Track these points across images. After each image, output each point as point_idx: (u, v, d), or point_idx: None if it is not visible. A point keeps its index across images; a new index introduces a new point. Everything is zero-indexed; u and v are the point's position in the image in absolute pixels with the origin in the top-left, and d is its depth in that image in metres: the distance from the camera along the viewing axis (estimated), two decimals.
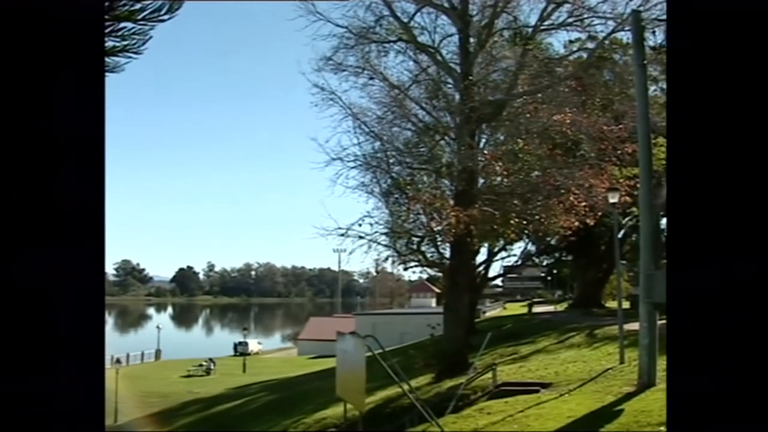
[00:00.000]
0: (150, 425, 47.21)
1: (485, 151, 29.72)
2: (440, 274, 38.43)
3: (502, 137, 32.27)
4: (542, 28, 30.39)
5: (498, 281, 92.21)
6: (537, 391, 20.46)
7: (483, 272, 50.17)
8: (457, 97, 30.46)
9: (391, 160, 31.93)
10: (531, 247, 57.27)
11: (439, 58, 30.80)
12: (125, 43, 3.23)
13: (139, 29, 3.21)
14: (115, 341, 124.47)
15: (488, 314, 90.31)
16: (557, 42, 35.11)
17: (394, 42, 30.98)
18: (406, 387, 20.25)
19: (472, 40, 30.13)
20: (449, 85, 31.69)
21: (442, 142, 32.24)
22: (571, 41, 34.89)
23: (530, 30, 30.49)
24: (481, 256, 45.38)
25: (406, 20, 30.35)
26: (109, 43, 3.23)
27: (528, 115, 28.75)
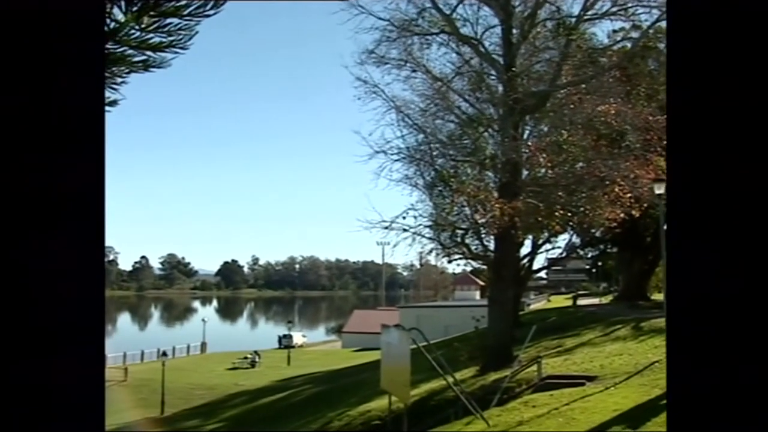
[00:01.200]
0: (197, 417, 47.68)
1: (529, 143, 29.51)
2: (484, 267, 38.27)
3: (546, 128, 32.08)
4: (586, 17, 30.09)
5: (542, 273, 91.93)
6: (582, 384, 20.30)
7: (527, 264, 49.92)
8: (501, 88, 30.32)
9: (434, 153, 31.89)
10: (576, 239, 56.93)
11: (481, 49, 30.64)
12: (171, 39, 3.22)
13: (185, 25, 3.20)
14: (161, 334, 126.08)
15: (532, 307, 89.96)
16: (601, 32, 34.77)
17: (437, 34, 30.88)
18: (450, 380, 20.23)
19: (515, 31, 29.94)
20: (492, 77, 31.54)
21: (486, 134, 32.14)
22: (615, 31, 34.49)
23: (573, 20, 30.19)
24: (526, 249, 45.16)
25: (448, 12, 30.21)
26: (155, 39, 3.23)
27: (572, 106, 28.51)
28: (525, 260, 47.68)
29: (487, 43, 30.92)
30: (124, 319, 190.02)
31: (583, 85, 28.91)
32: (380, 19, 30.20)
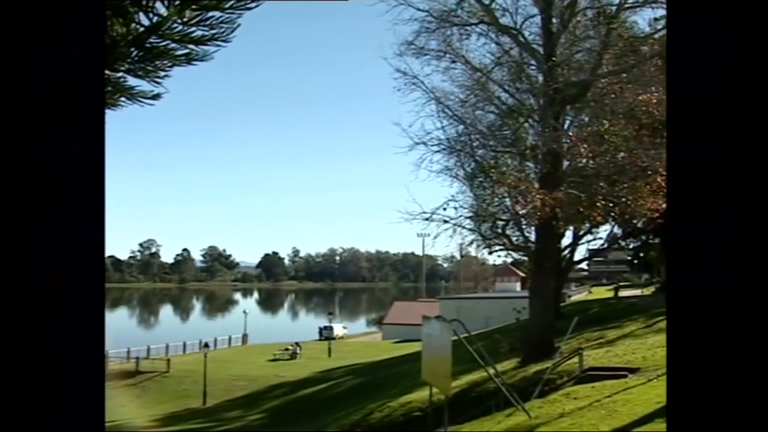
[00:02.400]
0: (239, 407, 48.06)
1: (570, 133, 29.30)
2: (525, 258, 38.15)
3: (587, 118, 31.83)
4: (626, 6, 29.78)
5: (583, 265, 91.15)
6: (624, 377, 20.17)
7: (568, 256, 49.61)
8: (541, 78, 30.14)
9: (475, 144, 31.80)
10: (617, 230, 56.29)
11: (521, 39, 30.46)
12: (213, 32, 3.24)
13: (227, 18, 3.22)
14: (203, 326, 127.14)
15: (574, 298, 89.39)
16: (642, 20, 34.31)
17: (476, 24, 30.75)
18: (491, 371, 20.19)
19: (554, 20, 29.74)
20: (532, 67, 31.37)
21: (526, 124, 31.98)
22: (656, 19, 34.03)
23: (614, 8, 29.90)
24: (567, 240, 44.81)
25: (487, 2, 30.07)
26: (197, 33, 3.25)
27: (613, 96, 28.23)
28: (566, 251, 47.35)
29: (526, 33, 30.78)
30: (167, 311, 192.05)
31: (624, 74, 28.59)
32: (419, 10, 30.18)
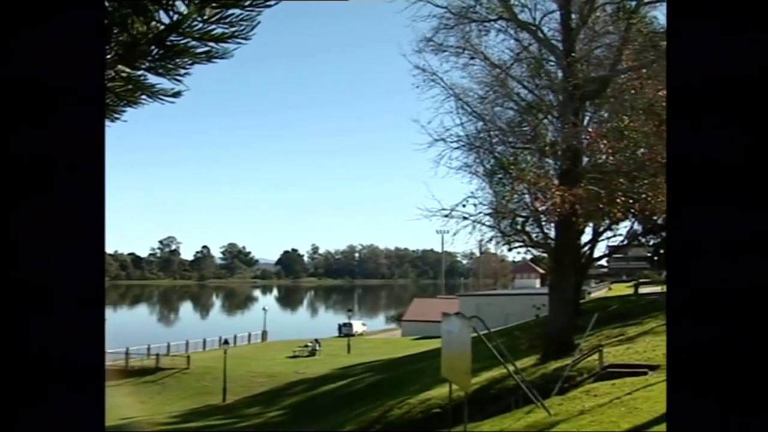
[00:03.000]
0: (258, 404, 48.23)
1: (590, 129, 29.18)
2: (545, 255, 38.02)
3: (606, 114, 31.69)
4: (646, 1, 29.62)
5: (603, 261, 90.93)
6: (645, 374, 20.09)
7: (588, 252, 49.44)
8: (560, 74, 30.05)
9: (494, 140, 31.76)
10: (637, 227, 56.00)
11: (540, 35, 30.37)
12: (233, 29, 3.24)
13: (247, 15, 3.22)
14: (223, 323, 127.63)
15: (593, 295, 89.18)
16: (661, 15, 34.07)
17: (495, 20, 30.67)
18: (511, 368, 20.16)
19: (573, 16, 29.63)
20: (551, 63, 31.26)
21: (546, 120, 31.87)
22: None
23: (633, 4, 29.74)
24: (587, 236, 44.65)
25: None
26: (217, 30, 3.25)
27: (633, 91, 28.08)
28: (586, 248, 47.21)
29: (545, 29, 30.67)
30: (186, 308, 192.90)
31: (644, 70, 28.42)
32: (438, 6, 30.13)
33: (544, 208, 27.73)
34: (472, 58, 31.21)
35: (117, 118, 3.78)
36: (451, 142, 31.27)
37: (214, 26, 3.24)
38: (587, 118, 31.53)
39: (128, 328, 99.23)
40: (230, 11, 3.22)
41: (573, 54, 28.57)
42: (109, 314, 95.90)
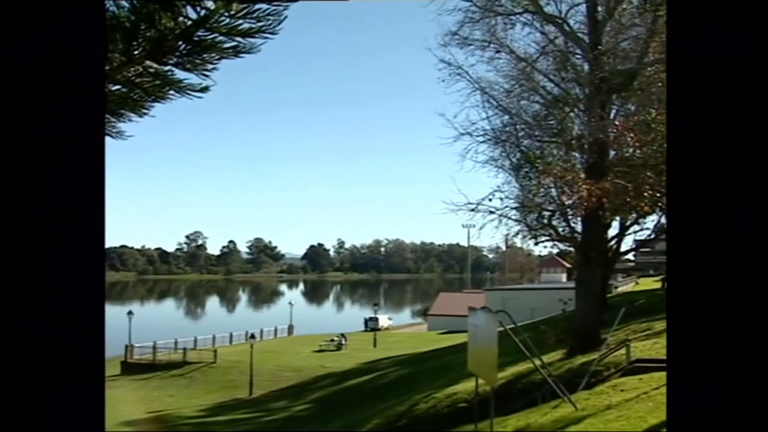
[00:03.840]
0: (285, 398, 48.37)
1: (616, 122, 28.95)
2: (571, 249, 37.86)
3: (633, 107, 31.44)
4: None
5: (630, 255, 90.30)
6: None
7: (615, 246, 49.08)
8: (586, 67, 29.86)
9: (520, 134, 31.65)
10: (664, 220, 55.71)
11: (566, 28, 30.18)
12: (260, 24, 3.26)
13: (273, 10, 3.23)
14: (249, 317, 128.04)
15: (620, 289, 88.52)
16: None
17: (520, 14, 30.53)
18: (537, 362, 20.10)
19: (600, 8, 29.41)
20: (578, 56, 31.08)
21: (572, 114, 31.68)
22: None
23: None
24: (613, 230, 44.40)
25: None
26: (244, 25, 3.27)
27: (660, 84, 27.79)
28: (613, 242, 46.90)
29: (571, 22, 30.47)
30: (213, 303, 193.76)
31: None
32: (463, 0, 30.05)
33: (570, 202, 27.58)
34: (498, 51, 31.13)
35: (145, 113, 3.81)
36: (477, 136, 31.24)
37: (240, 21, 3.26)
38: (614, 111, 31.31)
39: (156, 322, 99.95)
40: (257, 6, 3.23)
41: (599, 47, 28.38)
42: (137, 308, 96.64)
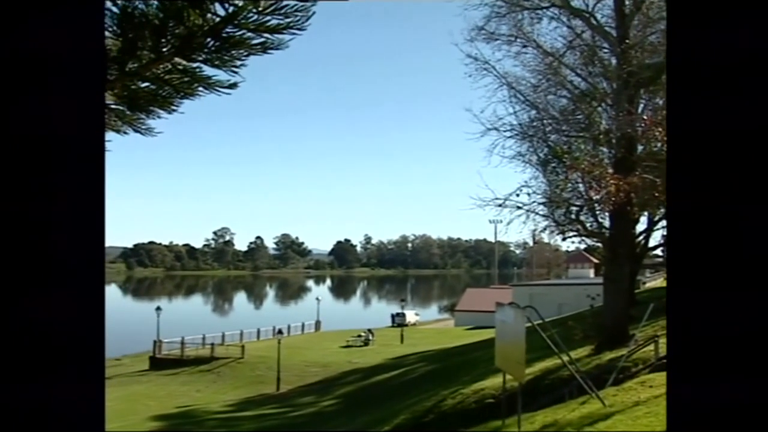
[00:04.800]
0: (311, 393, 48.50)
1: (644, 117, 28.72)
2: (599, 244, 37.63)
3: (661, 101, 31.19)
4: None
5: (659, 251, 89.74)
6: None
7: (643, 242, 48.78)
8: (614, 61, 29.69)
9: (547, 129, 31.49)
10: None
11: (593, 22, 30.00)
12: (288, 20, 3.26)
13: (302, 6, 3.23)
14: (276, 313, 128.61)
15: (649, 285, 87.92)
16: None
17: (547, 8, 30.40)
18: (565, 358, 20.02)
19: (627, 1, 29.22)
20: (605, 50, 30.89)
21: (600, 108, 31.49)
22: None
23: None
24: (642, 225, 44.08)
25: None
26: (272, 21, 3.27)
27: None
28: (641, 237, 46.62)
29: (599, 16, 30.28)
30: (240, 298, 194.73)
31: None
32: None
33: (598, 197, 27.41)
34: (525, 46, 31.03)
35: (174, 110, 3.83)
36: (504, 131, 31.16)
37: (269, 17, 3.26)
38: (642, 105, 31.10)
39: (184, 318, 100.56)
40: (285, 2, 3.24)
41: (627, 40, 28.19)
42: (165, 304, 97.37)
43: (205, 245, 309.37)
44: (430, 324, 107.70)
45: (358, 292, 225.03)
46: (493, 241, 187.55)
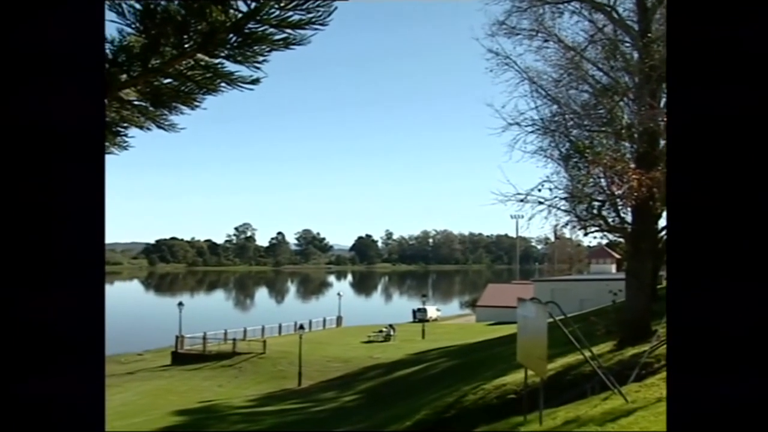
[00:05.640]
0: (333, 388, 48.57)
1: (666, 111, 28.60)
2: (621, 240, 37.49)
3: None
4: None
5: None
6: None
7: (666, 237, 48.62)
8: (636, 55, 29.51)
9: (569, 124, 31.36)
10: None
11: (615, 16, 29.84)
12: (310, 16, 3.26)
13: (324, 2, 3.23)
14: (298, 308, 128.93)
15: None
16: None
17: (568, 2, 30.27)
18: (587, 354, 19.95)
19: None
20: (627, 44, 30.71)
21: (622, 103, 31.30)
22: None
23: None
24: (664, 221, 43.86)
25: None
26: (294, 17, 3.27)
27: None
28: (663, 232, 46.42)
29: (620, 9, 30.09)
30: (262, 294, 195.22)
31: None
32: None
33: (620, 192, 27.29)
34: (546, 40, 30.90)
35: (197, 106, 3.84)
36: (526, 126, 31.04)
37: (291, 13, 3.27)
38: (664, 99, 30.88)
39: (205, 313, 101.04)
40: None
41: (649, 34, 28.01)
42: (187, 300, 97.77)
43: (226, 241, 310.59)
44: (451, 319, 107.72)
45: (380, 288, 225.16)
46: (514, 236, 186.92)
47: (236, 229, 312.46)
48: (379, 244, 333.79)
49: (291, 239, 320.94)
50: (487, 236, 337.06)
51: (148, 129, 4.04)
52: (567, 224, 31.38)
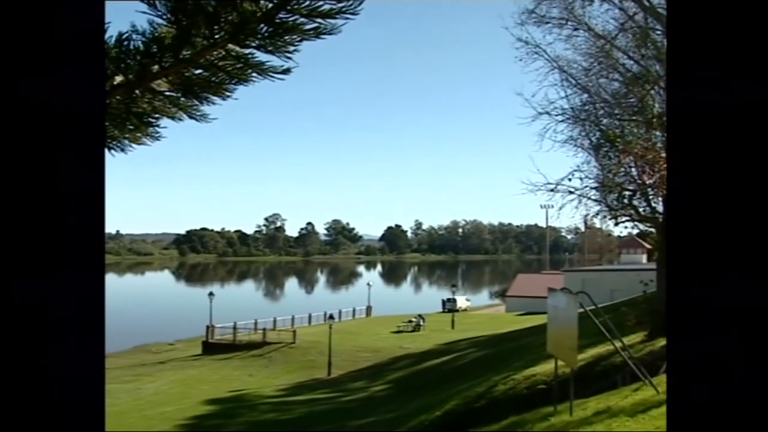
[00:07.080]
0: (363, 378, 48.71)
1: None
2: (652, 230, 37.27)
3: None
4: None
5: None
6: None
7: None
8: (666, 43, 29.28)
9: (599, 113, 31.23)
10: None
11: (646, 3, 29.56)
12: (341, 5, 3.26)
13: None
14: (328, 298, 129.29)
15: None
16: None
17: None
18: (618, 345, 19.86)
19: None
20: (658, 32, 30.43)
21: (653, 91, 31.08)
22: None
23: None
24: None
25: None
26: (325, 6, 3.27)
27: None
28: None
29: None
30: (292, 284, 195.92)
31: None
32: None
33: (651, 181, 27.09)
34: (576, 29, 30.74)
35: (228, 96, 3.85)
36: (556, 115, 30.98)
37: (321, 2, 3.26)
38: None
39: (236, 303, 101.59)
40: None
41: None
42: (217, 290, 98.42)
43: (256, 231, 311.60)
44: (481, 309, 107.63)
45: (409, 278, 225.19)
46: (544, 226, 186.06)
47: (266, 219, 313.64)
48: (409, 234, 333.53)
49: (321, 229, 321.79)
50: (517, 226, 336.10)
51: (180, 119, 4.06)
52: (597, 214, 31.34)
